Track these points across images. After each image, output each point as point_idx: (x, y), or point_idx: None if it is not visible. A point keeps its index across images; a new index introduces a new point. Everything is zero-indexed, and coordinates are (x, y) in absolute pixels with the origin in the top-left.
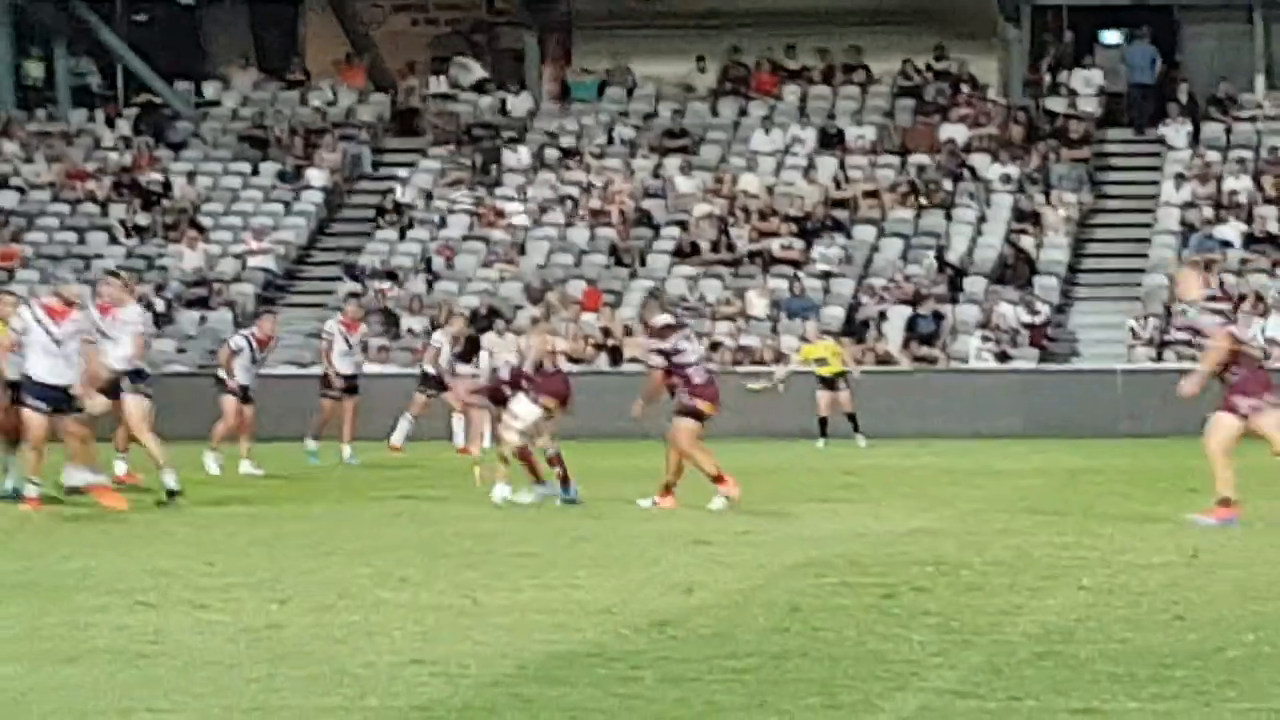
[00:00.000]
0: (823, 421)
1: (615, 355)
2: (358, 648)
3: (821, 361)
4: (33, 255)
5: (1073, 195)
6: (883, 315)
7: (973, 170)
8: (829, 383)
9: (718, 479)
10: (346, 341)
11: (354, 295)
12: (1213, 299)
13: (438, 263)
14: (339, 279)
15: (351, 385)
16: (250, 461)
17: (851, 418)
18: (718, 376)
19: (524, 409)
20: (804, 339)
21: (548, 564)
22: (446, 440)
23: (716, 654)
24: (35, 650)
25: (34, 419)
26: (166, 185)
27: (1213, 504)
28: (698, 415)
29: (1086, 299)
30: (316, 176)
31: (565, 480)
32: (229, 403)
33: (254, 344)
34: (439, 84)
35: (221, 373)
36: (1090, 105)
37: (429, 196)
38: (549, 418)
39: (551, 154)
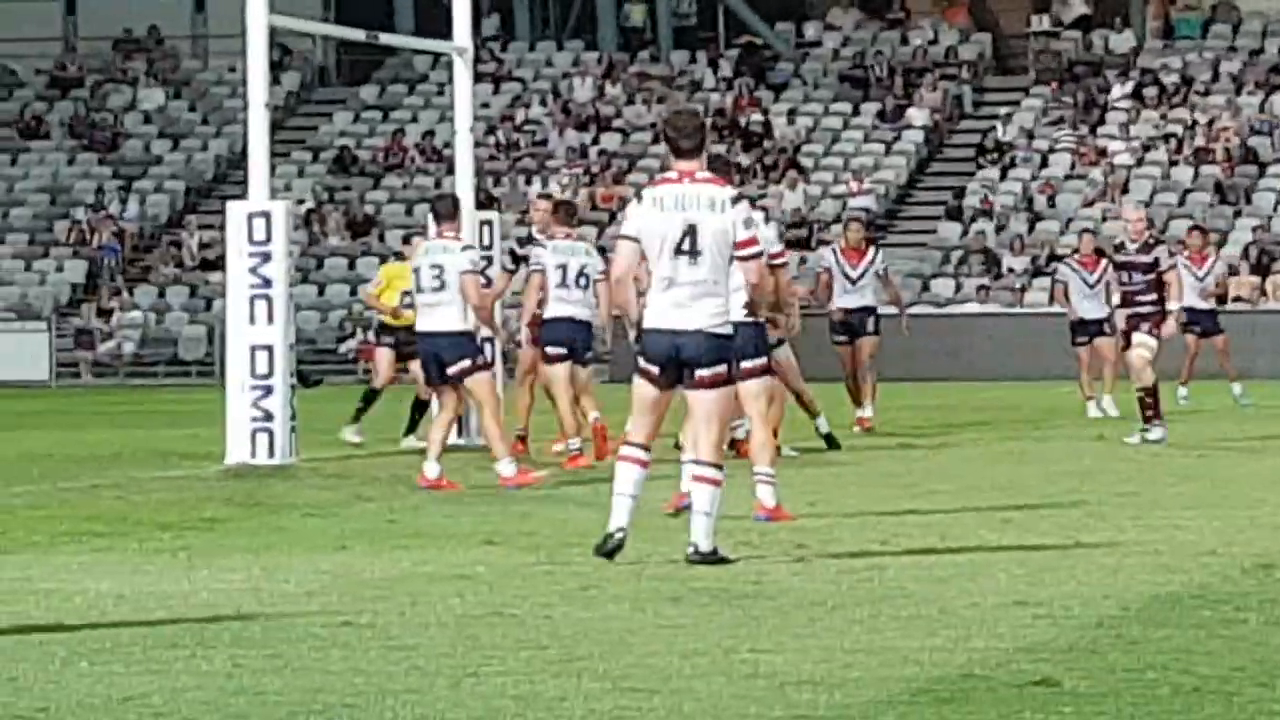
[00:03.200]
0: None
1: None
2: (961, 589)
3: None
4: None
5: None
6: None
7: None
8: None
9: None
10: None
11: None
12: None
13: (1039, 202)
14: (940, 218)
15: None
16: (1110, 398)
17: None
18: None
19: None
20: None
21: (1150, 503)
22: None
23: None
24: (639, 590)
25: None
26: (767, 126)
27: None
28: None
29: None
30: (917, 116)
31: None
32: (1104, 343)
33: (1079, 268)
34: (1041, 22)
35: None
36: None
37: (1030, 135)
38: None
39: (1154, 91)
